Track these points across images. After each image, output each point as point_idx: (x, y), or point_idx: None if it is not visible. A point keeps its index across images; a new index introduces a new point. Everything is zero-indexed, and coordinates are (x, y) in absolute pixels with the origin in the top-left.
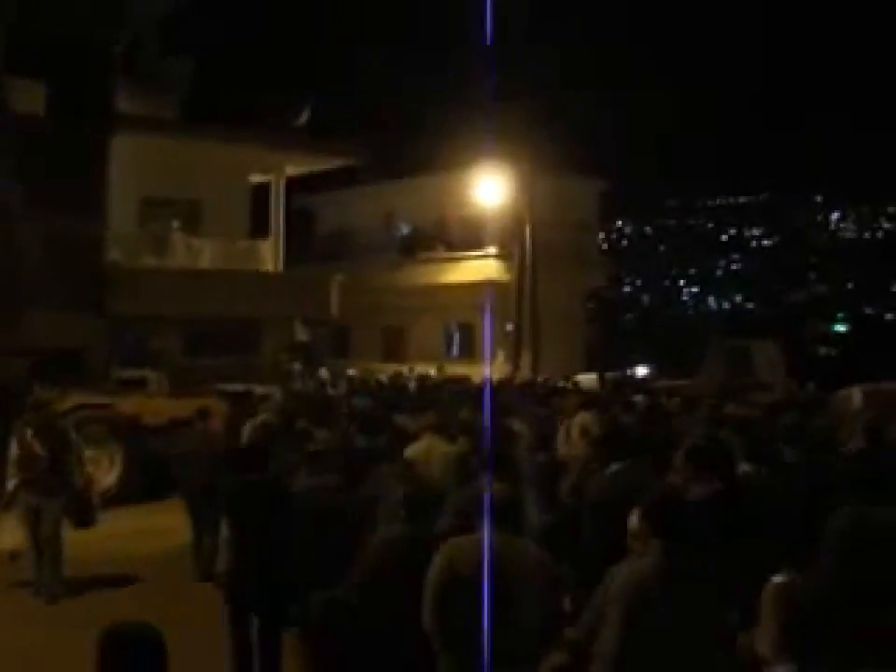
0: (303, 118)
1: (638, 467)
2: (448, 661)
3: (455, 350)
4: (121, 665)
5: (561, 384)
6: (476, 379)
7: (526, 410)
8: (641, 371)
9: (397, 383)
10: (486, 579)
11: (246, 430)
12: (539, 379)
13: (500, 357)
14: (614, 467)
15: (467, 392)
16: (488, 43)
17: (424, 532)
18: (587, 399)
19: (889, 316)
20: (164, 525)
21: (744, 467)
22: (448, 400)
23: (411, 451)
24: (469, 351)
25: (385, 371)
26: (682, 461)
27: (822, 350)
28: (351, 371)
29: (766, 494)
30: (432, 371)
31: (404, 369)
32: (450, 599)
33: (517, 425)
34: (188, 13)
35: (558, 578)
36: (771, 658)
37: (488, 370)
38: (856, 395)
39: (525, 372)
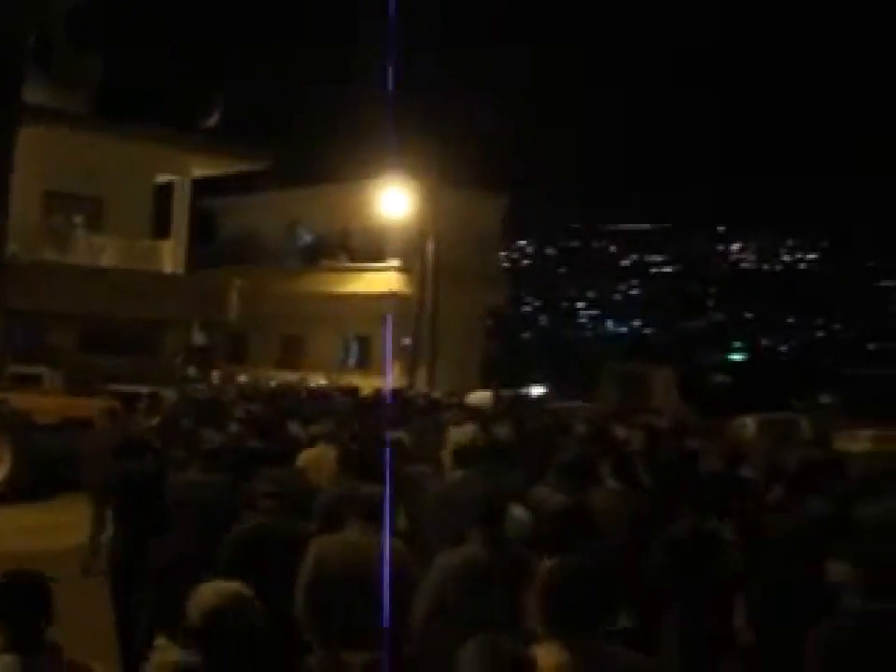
0: (212, 120)
1: (483, 474)
2: (320, 652)
3: (352, 361)
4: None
5: (444, 398)
6: (366, 390)
7: (414, 421)
8: (536, 390)
9: (287, 391)
10: (386, 576)
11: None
12: (427, 393)
13: (397, 369)
14: (458, 474)
15: (358, 403)
16: (393, 56)
17: (283, 527)
18: (469, 414)
19: (784, 347)
20: (52, 523)
21: (611, 483)
22: (341, 410)
23: (303, 456)
24: (366, 362)
25: (277, 379)
26: (553, 473)
27: (717, 378)
28: (242, 378)
29: (617, 508)
30: (322, 381)
31: (294, 377)
32: (318, 594)
33: (403, 435)
34: (100, 8)
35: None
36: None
37: (386, 382)
38: (750, 424)
39: (420, 386)
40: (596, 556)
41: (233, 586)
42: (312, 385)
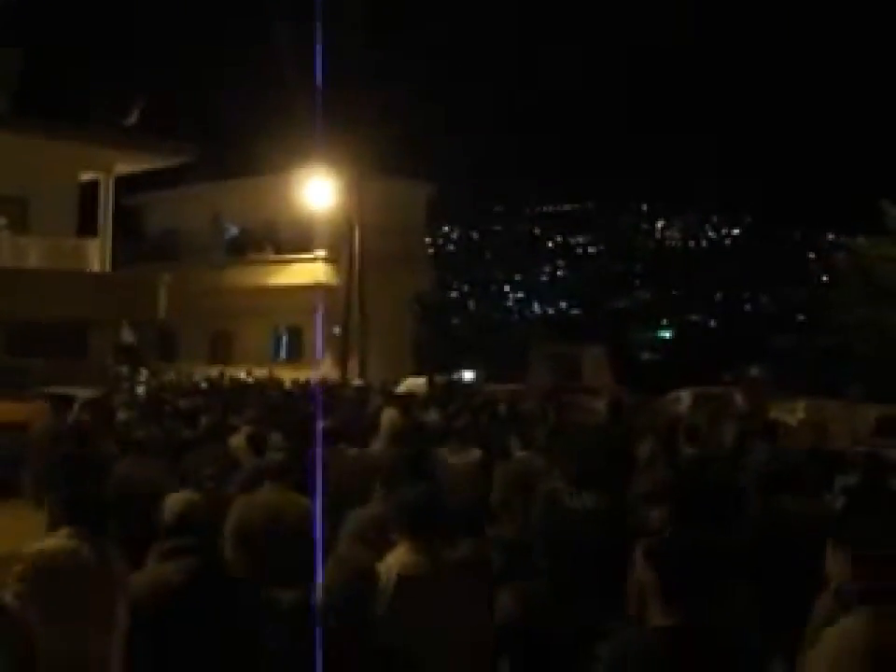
0: (134, 116)
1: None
2: None
3: (283, 353)
4: None
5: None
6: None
7: (341, 408)
8: (468, 375)
9: (214, 384)
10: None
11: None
12: (356, 382)
13: (328, 360)
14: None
15: (286, 393)
16: (316, 44)
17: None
18: (394, 400)
19: (712, 322)
20: None
21: (518, 455)
22: (267, 400)
23: (232, 442)
24: (298, 354)
25: (205, 374)
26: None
27: (647, 356)
28: (171, 375)
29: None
30: (244, 374)
31: (221, 371)
32: (241, 542)
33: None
34: (19, 7)
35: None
36: None
37: (318, 373)
38: (685, 397)
39: (352, 376)
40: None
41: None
42: (240, 378)
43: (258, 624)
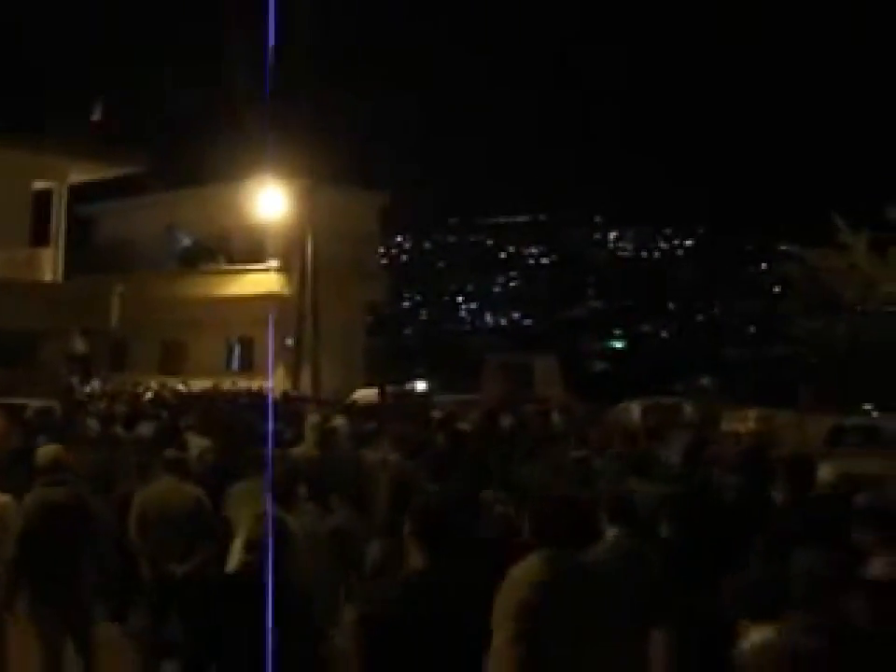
0: (98, 112)
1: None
2: (147, 566)
3: (236, 364)
4: None
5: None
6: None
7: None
8: (420, 385)
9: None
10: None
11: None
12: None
13: (280, 371)
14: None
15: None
16: (267, 56)
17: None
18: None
19: (663, 333)
20: None
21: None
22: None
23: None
24: (250, 365)
25: (153, 385)
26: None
27: (598, 366)
28: (112, 386)
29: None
30: (180, 386)
31: (175, 382)
32: (142, 526)
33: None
34: None
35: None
36: None
37: (270, 384)
38: (634, 408)
39: (304, 386)
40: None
41: None
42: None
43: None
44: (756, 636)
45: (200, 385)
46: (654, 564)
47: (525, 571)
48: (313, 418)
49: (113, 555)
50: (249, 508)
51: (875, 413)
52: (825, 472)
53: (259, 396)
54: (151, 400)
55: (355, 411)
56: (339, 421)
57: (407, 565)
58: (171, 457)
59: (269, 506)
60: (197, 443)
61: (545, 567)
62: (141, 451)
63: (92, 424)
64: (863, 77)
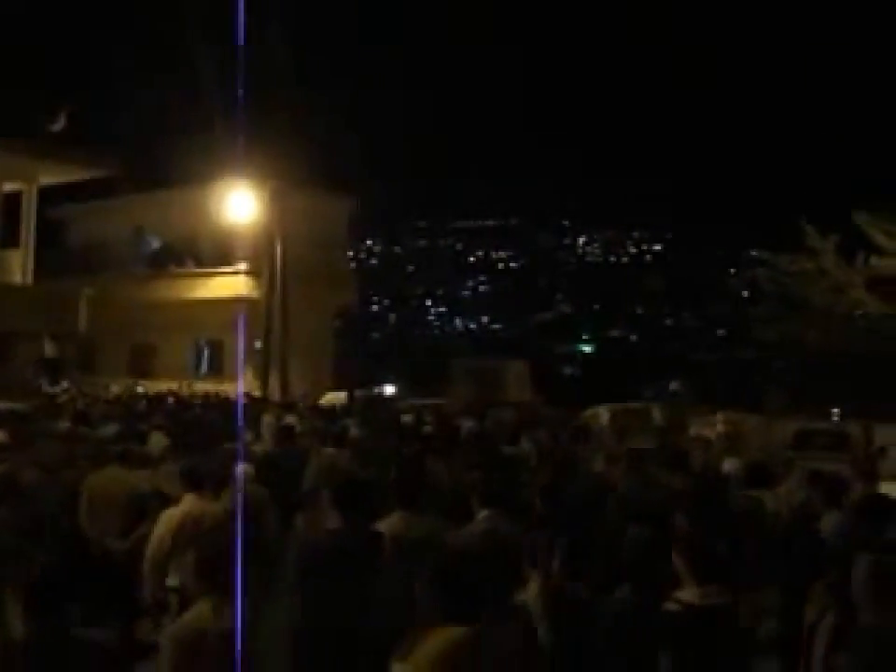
0: (58, 127)
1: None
2: (96, 543)
3: (204, 367)
4: None
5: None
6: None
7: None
8: (389, 389)
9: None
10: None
11: None
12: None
13: (249, 374)
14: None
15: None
16: (238, 58)
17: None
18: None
19: (633, 338)
20: None
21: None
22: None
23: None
24: (218, 368)
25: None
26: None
27: (568, 370)
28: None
29: None
30: (140, 389)
31: (114, 386)
32: (91, 512)
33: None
34: None
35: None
36: None
37: (240, 387)
38: (603, 413)
39: (273, 389)
40: None
41: None
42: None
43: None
44: None
45: (164, 387)
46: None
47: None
48: (268, 418)
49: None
50: None
51: (836, 419)
52: (728, 464)
53: (218, 398)
54: (110, 402)
55: (320, 413)
56: (292, 420)
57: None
58: (119, 450)
59: (239, 501)
60: (158, 440)
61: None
62: (98, 446)
63: (62, 424)
64: (831, 82)
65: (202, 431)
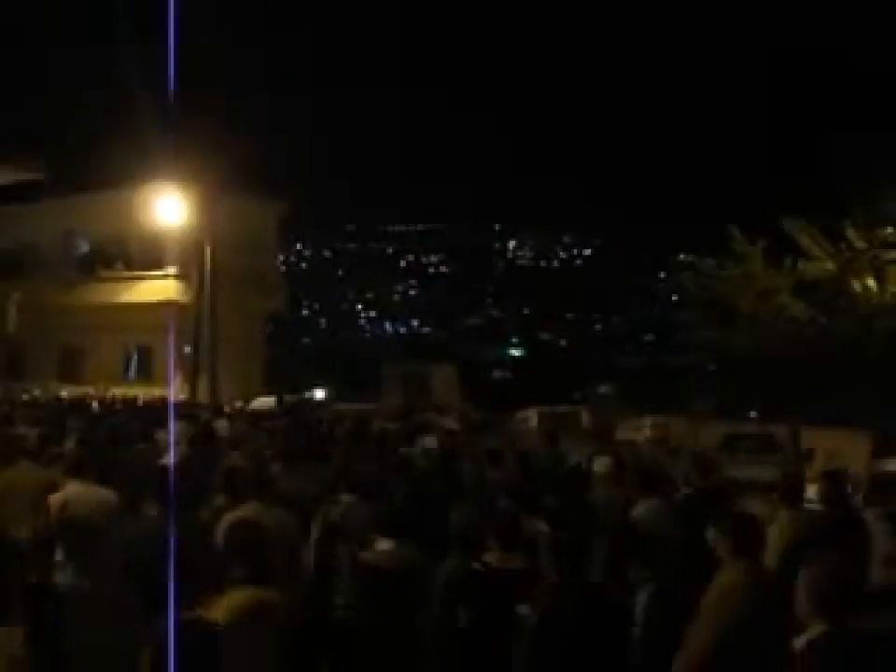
0: None
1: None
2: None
3: (133, 372)
4: None
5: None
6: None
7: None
8: (319, 393)
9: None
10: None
11: None
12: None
13: (178, 379)
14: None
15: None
16: (169, 59)
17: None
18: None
19: (563, 342)
20: None
21: None
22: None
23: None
24: (147, 373)
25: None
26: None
27: (498, 373)
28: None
29: None
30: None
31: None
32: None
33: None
34: None
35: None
36: None
37: (171, 391)
38: (532, 416)
39: (202, 394)
40: None
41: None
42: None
43: None
44: None
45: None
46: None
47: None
48: (182, 424)
49: None
50: None
51: (753, 421)
52: (599, 464)
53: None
54: (26, 404)
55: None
56: (221, 424)
57: None
58: (29, 447)
59: (170, 503)
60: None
61: None
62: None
63: None
64: (758, 88)
65: (113, 433)
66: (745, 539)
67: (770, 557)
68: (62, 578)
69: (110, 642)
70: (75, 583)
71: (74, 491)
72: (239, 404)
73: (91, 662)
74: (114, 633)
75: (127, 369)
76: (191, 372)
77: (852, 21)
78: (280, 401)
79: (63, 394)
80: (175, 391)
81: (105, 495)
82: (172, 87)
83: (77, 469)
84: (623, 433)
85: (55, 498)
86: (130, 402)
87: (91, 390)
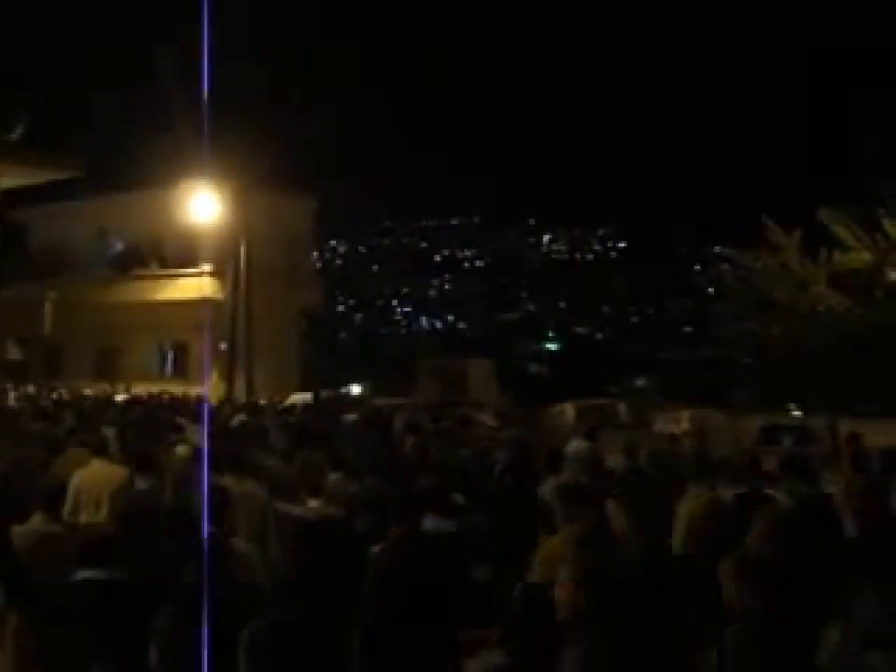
0: (19, 130)
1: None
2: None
3: (169, 369)
4: None
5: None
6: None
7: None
8: (356, 389)
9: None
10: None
11: None
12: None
13: (214, 376)
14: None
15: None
16: (204, 59)
17: None
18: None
19: (598, 335)
20: None
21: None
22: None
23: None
24: (183, 370)
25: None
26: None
27: (534, 368)
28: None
29: None
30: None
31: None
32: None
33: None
34: None
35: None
36: None
37: (206, 388)
38: (569, 410)
39: (239, 391)
40: None
41: None
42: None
43: None
44: None
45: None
46: None
47: None
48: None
49: None
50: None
51: (796, 414)
52: (572, 447)
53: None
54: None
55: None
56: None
57: None
58: (81, 439)
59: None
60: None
61: None
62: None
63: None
64: (798, 79)
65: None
66: None
67: None
68: None
69: None
70: None
71: (98, 468)
72: (275, 400)
73: None
74: None
75: (163, 367)
76: (227, 369)
77: (889, 19)
78: (317, 397)
79: (88, 392)
80: (210, 388)
81: (123, 473)
82: (204, 84)
83: (99, 450)
84: (661, 426)
85: (81, 473)
86: (154, 398)
87: (109, 388)
